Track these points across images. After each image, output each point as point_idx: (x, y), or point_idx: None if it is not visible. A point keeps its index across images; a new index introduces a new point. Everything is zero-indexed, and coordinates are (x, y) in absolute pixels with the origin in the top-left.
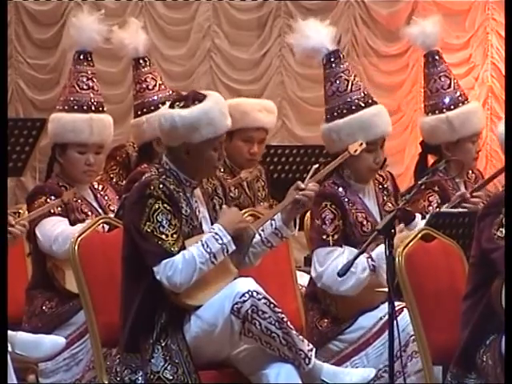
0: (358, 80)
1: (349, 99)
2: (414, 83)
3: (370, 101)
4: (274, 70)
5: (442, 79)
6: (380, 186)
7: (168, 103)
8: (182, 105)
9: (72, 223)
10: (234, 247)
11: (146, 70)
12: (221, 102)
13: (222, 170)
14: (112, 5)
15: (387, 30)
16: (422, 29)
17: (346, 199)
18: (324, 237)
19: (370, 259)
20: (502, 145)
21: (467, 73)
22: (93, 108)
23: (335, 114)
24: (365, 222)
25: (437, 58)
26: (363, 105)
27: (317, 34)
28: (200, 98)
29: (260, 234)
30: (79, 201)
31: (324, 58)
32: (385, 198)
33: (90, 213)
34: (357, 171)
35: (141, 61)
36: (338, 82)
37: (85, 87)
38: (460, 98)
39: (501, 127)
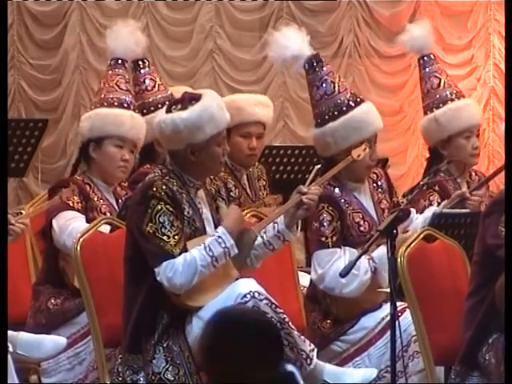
0: (343, 80)
1: (338, 101)
2: (416, 84)
3: (358, 99)
4: (276, 70)
5: (432, 79)
6: (374, 184)
7: (165, 108)
8: (179, 107)
9: (89, 222)
10: (236, 251)
11: (144, 71)
12: (217, 98)
13: (223, 170)
14: (114, 5)
15: (389, 31)
16: (410, 33)
17: (343, 200)
18: (323, 239)
19: (371, 261)
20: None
21: (469, 73)
22: (131, 108)
23: (327, 117)
24: (362, 222)
25: (427, 59)
26: (353, 104)
27: (293, 42)
28: (196, 98)
29: (262, 237)
30: (101, 201)
31: (306, 64)
32: (380, 195)
33: (108, 214)
34: (355, 170)
35: (139, 62)
36: (324, 85)
37: (124, 88)
38: (449, 96)
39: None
